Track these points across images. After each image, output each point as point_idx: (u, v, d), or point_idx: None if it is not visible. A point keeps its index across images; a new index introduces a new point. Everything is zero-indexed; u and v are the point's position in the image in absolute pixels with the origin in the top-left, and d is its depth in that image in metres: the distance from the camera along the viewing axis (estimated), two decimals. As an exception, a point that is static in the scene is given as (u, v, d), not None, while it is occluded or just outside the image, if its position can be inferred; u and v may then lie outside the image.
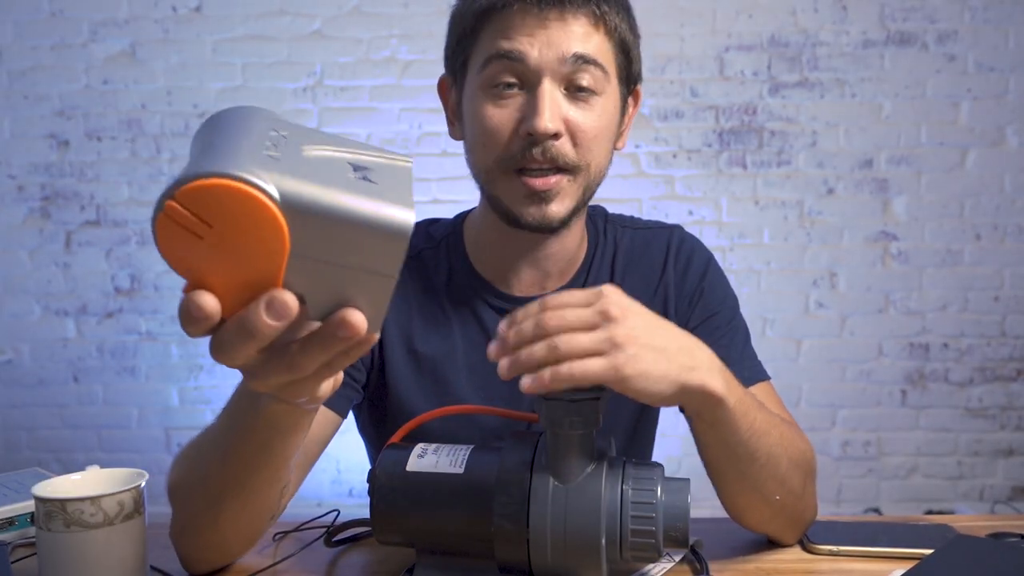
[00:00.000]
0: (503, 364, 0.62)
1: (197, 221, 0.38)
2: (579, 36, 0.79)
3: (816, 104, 2.55)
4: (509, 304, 0.91)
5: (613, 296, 0.64)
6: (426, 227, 0.97)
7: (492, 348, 0.64)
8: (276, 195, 0.38)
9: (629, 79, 0.87)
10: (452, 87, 0.89)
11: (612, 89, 0.84)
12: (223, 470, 0.68)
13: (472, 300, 0.92)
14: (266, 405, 0.60)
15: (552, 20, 0.78)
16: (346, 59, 2.55)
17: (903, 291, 2.58)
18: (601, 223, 0.97)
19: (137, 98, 2.58)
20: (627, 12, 0.84)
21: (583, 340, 0.61)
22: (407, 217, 0.40)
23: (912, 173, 2.56)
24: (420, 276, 0.93)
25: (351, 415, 0.94)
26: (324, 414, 0.85)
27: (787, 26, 2.53)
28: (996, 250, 2.56)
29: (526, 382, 0.61)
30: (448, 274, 0.93)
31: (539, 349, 0.61)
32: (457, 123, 0.90)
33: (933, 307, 2.58)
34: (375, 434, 0.96)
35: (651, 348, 0.62)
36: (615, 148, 0.88)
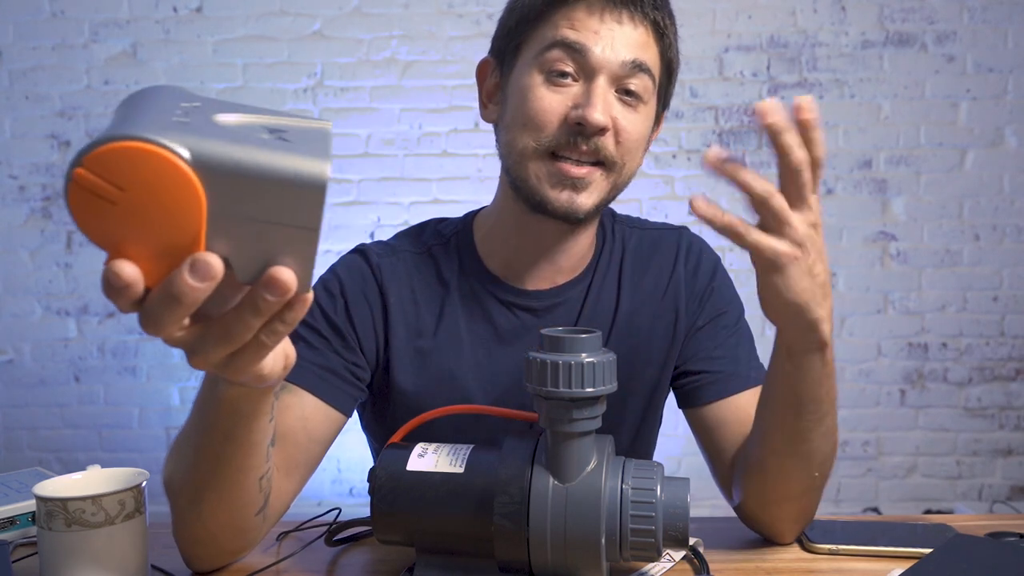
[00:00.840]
0: (717, 152, 0.64)
1: (108, 186, 0.37)
2: (640, 44, 0.81)
3: (815, 104, 2.54)
4: (518, 299, 0.92)
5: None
6: (435, 225, 0.98)
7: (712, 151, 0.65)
8: (186, 155, 0.38)
9: (664, 101, 0.89)
10: (495, 69, 0.90)
11: (652, 103, 0.86)
12: (197, 463, 0.69)
13: (481, 295, 0.92)
14: (223, 392, 0.61)
15: (619, 23, 0.81)
16: (346, 59, 2.55)
17: (902, 291, 2.59)
18: (609, 223, 0.98)
19: (137, 98, 2.58)
20: (677, 39, 0.87)
21: (794, 220, 0.65)
22: (322, 168, 0.40)
23: (911, 173, 2.56)
24: (429, 272, 0.93)
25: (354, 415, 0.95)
26: (326, 413, 0.85)
27: (786, 27, 2.53)
28: (995, 250, 2.57)
29: (701, 203, 0.63)
30: (458, 270, 0.93)
31: (756, 181, 0.64)
32: (491, 105, 0.90)
33: (932, 307, 2.59)
34: (379, 431, 0.96)
35: (809, 273, 0.67)
36: None
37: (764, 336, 2.51)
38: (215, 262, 0.40)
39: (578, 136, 0.80)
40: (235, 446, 0.65)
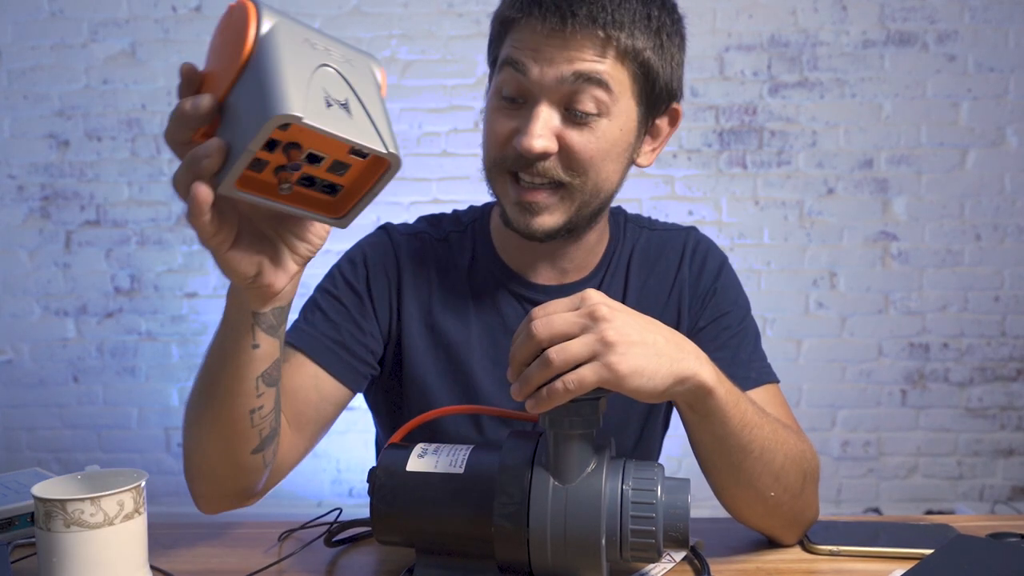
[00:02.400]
0: (514, 388, 0.65)
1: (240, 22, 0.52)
2: (583, 57, 0.79)
3: (816, 104, 2.55)
4: (529, 291, 0.93)
5: (597, 297, 0.65)
6: (456, 212, 1.01)
7: (508, 373, 0.66)
8: (266, 28, 0.51)
9: (656, 100, 0.86)
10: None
11: (622, 110, 0.82)
12: (197, 387, 0.73)
13: (492, 286, 0.94)
14: (227, 306, 0.67)
15: (555, 39, 0.78)
16: (346, 59, 2.54)
17: (903, 291, 2.58)
18: (622, 221, 0.99)
19: (137, 98, 2.58)
20: (655, 33, 0.83)
21: (574, 347, 0.62)
22: (281, 109, 0.48)
23: (912, 173, 2.56)
24: (444, 257, 0.95)
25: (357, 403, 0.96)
26: (335, 385, 0.88)
27: (787, 26, 2.53)
28: (996, 250, 2.56)
29: (528, 405, 0.64)
30: (472, 258, 0.95)
31: (534, 370, 0.63)
32: None
33: (933, 307, 2.58)
34: (386, 408, 0.98)
35: (641, 344, 0.64)
36: (637, 165, 0.89)
37: (765, 336, 2.51)
38: (207, 99, 0.54)
39: (524, 160, 0.81)
40: (224, 363, 0.69)
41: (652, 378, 0.64)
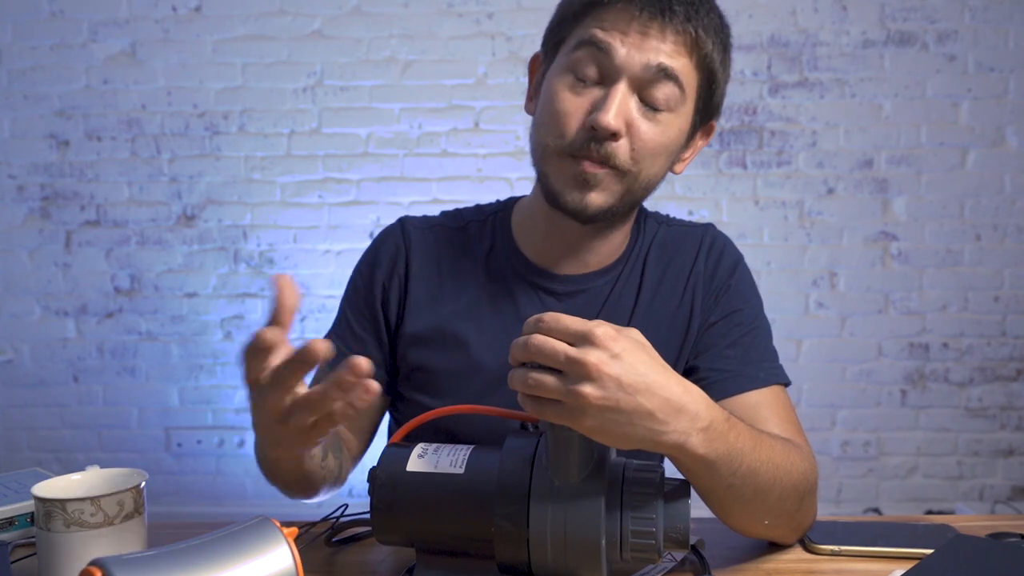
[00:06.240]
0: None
1: None
2: (668, 52, 0.80)
3: (816, 104, 2.55)
4: (543, 280, 0.94)
5: (601, 343, 0.60)
6: (480, 205, 1.03)
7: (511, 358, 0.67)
8: None
9: (706, 111, 0.88)
10: (542, 64, 0.91)
11: (685, 112, 0.84)
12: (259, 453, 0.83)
13: (509, 275, 0.94)
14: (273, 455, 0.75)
15: (650, 29, 0.79)
16: (346, 59, 2.55)
17: (903, 291, 2.58)
18: (641, 217, 1.00)
19: (137, 98, 2.58)
20: (724, 49, 0.85)
21: (549, 383, 0.61)
22: None
23: (912, 173, 2.56)
24: (461, 246, 0.96)
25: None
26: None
27: (787, 26, 2.53)
28: (996, 250, 2.56)
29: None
30: (490, 247, 0.96)
31: (517, 376, 0.63)
32: (535, 99, 0.91)
33: (933, 307, 2.58)
34: (399, 398, 0.99)
35: (616, 411, 0.60)
36: (672, 171, 0.90)
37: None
38: None
39: (592, 140, 0.81)
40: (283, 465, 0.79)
41: (616, 442, 0.63)
